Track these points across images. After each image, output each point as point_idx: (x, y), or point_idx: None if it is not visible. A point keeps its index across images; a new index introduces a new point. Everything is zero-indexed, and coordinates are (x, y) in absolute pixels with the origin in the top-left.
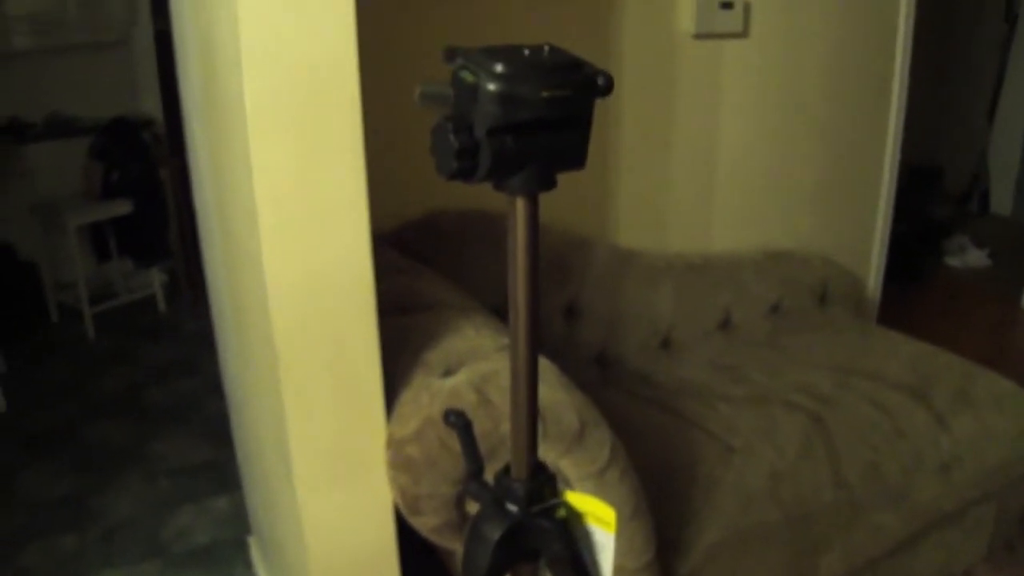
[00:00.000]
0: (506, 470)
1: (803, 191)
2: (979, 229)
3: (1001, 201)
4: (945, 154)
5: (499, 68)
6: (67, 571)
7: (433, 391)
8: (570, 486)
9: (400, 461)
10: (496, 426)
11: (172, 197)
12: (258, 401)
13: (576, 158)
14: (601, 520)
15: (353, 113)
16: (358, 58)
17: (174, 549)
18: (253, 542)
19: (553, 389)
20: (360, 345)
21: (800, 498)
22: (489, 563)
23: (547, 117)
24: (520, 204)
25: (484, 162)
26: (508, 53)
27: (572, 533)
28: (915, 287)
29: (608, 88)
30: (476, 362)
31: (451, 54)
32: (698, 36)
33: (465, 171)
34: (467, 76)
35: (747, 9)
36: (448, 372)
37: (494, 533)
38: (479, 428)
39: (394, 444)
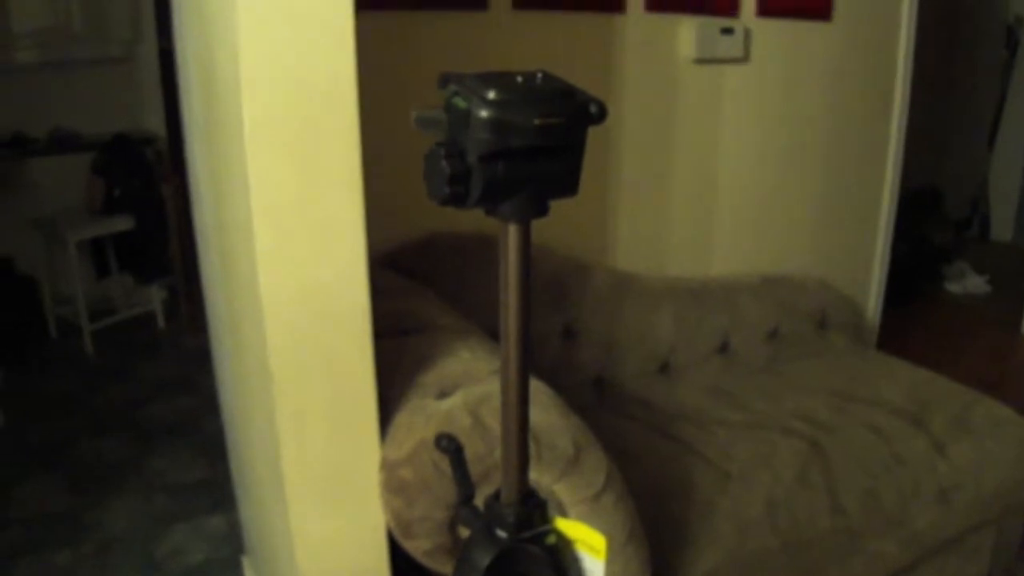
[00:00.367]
0: (496, 496)
1: (803, 216)
2: (979, 255)
3: (1001, 227)
4: (945, 180)
5: (491, 95)
6: None
7: (428, 413)
8: (565, 511)
9: (394, 484)
10: (491, 450)
11: (173, 214)
12: (252, 420)
13: (568, 185)
14: (591, 547)
15: (351, 135)
16: (357, 81)
17: (167, 567)
18: (247, 562)
19: (548, 413)
20: (355, 366)
21: (797, 525)
22: None
23: (539, 144)
24: (512, 230)
25: (476, 188)
26: (501, 80)
27: (562, 560)
28: (914, 313)
29: (601, 116)
30: (471, 385)
31: (445, 80)
32: (699, 61)
33: (457, 197)
34: (460, 102)
35: (748, 35)
36: (443, 394)
37: (483, 560)
38: (473, 451)
39: (388, 466)
